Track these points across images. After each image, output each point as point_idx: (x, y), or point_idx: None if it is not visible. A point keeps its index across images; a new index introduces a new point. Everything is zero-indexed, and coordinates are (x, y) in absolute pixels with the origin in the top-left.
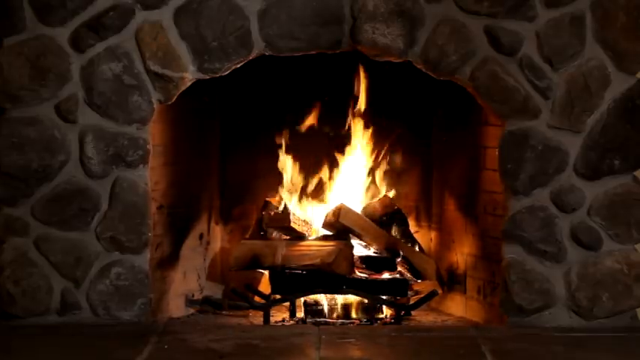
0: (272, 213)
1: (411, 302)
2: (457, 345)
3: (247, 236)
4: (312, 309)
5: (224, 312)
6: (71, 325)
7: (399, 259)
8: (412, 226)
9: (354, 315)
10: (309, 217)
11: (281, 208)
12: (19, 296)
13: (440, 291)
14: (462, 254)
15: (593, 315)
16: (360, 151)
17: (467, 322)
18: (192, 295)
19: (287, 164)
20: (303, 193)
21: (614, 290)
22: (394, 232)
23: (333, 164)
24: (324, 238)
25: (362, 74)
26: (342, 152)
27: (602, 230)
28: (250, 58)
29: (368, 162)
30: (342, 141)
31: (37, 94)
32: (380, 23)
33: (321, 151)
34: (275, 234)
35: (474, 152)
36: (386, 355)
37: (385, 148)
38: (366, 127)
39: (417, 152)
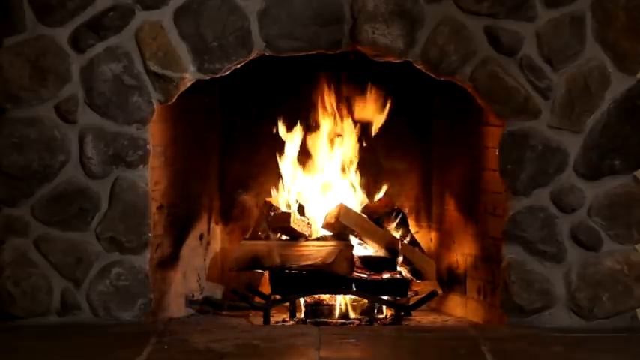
0: (272, 213)
1: (411, 302)
2: (457, 345)
3: (247, 236)
4: (312, 309)
5: (224, 312)
6: (71, 325)
7: (399, 259)
8: (412, 226)
9: (354, 315)
10: (309, 217)
11: (281, 208)
12: (20, 296)
13: (440, 291)
14: (462, 254)
15: (593, 315)
16: (359, 150)
17: (467, 322)
18: (192, 296)
19: (286, 164)
20: (302, 193)
21: (614, 290)
22: (394, 232)
23: (333, 164)
24: (324, 238)
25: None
26: (342, 152)
27: (602, 230)
28: (250, 58)
29: (368, 162)
30: (341, 140)
31: (37, 94)
32: (380, 23)
33: (321, 151)
34: (275, 234)
35: (474, 152)
36: (386, 355)
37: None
38: (366, 126)
39: (416, 152)
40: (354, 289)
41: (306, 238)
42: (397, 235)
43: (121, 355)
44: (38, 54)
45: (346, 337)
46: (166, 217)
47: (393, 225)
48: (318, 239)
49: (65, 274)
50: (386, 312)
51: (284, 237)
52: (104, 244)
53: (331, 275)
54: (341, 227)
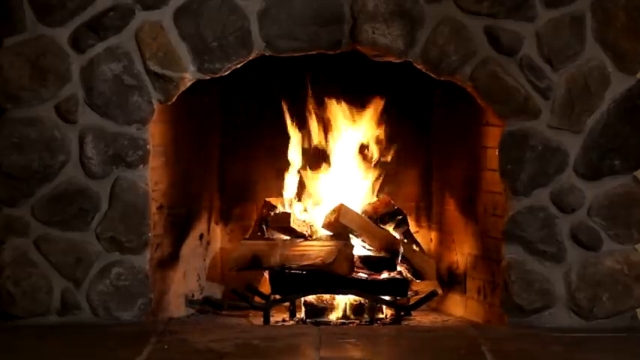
0: (272, 213)
1: (411, 302)
2: (457, 345)
3: (247, 236)
4: (312, 309)
5: (224, 312)
6: (71, 325)
7: (399, 259)
8: (412, 226)
9: (353, 315)
10: (309, 217)
11: (281, 208)
12: (20, 296)
13: (440, 291)
14: (462, 254)
15: (593, 315)
16: (360, 150)
17: (467, 322)
18: (192, 296)
19: (286, 164)
20: (302, 193)
21: (614, 290)
22: (394, 232)
23: (333, 164)
24: (324, 238)
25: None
26: (342, 152)
27: (602, 230)
28: (250, 58)
29: (367, 161)
30: (341, 140)
31: (37, 94)
32: (380, 23)
33: (321, 151)
34: (275, 234)
35: (474, 152)
36: (386, 355)
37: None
38: (366, 126)
39: (416, 152)
40: (354, 289)
41: (306, 238)
42: (397, 235)
43: (121, 355)
44: (38, 54)
45: (346, 337)
46: (166, 217)
47: (393, 225)
48: (318, 239)
49: (65, 274)
50: (386, 312)
51: (284, 237)
52: (104, 244)
53: (331, 275)
54: (341, 227)
